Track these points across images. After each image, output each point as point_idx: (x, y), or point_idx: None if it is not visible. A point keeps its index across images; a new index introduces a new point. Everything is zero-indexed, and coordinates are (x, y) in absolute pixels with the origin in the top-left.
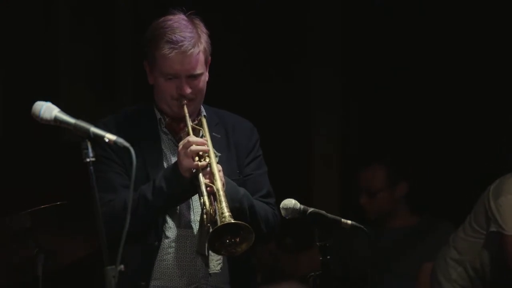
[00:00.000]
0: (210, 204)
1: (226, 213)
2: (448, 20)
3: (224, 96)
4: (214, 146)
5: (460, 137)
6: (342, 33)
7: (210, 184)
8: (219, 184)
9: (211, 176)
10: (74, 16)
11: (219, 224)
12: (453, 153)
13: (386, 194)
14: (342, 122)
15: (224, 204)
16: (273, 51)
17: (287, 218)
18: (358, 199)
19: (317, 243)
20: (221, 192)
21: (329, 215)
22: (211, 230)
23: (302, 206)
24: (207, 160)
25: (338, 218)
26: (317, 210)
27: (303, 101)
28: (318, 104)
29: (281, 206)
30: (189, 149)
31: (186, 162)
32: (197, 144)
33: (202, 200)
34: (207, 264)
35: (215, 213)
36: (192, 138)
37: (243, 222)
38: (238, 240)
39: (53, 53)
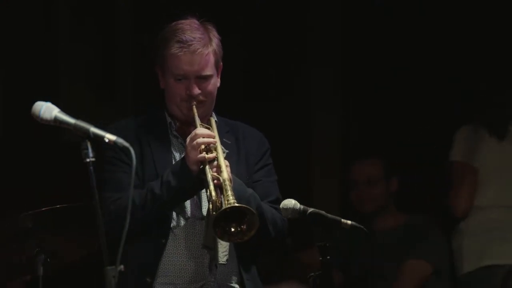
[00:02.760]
0: (217, 195)
1: (231, 199)
2: (448, 20)
3: (223, 96)
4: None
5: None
6: (342, 33)
7: (217, 176)
8: (225, 175)
9: (218, 169)
10: (74, 16)
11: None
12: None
13: (384, 184)
14: (342, 122)
15: (229, 193)
16: (273, 51)
17: (287, 218)
18: (351, 195)
19: (317, 243)
20: (227, 182)
21: (329, 215)
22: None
23: (302, 206)
24: (214, 153)
25: (338, 218)
26: (317, 210)
27: (303, 101)
28: (318, 104)
29: (281, 206)
30: (196, 141)
31: (193, 155)
32: (204, 136)
33: (208, 192)
34: (214, 257)
35: (221, 205)
36: (199, 130)
37: (247, 206)
38: (244, 227)
39: (53, 53)
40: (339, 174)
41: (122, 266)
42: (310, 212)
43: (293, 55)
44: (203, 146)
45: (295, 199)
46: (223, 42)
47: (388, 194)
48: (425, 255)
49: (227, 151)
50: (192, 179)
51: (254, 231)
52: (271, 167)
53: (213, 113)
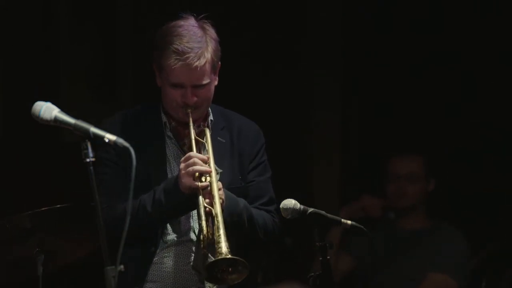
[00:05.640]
0: (208, 226)
1: (223, 244)
2: (449, 20)
3: (224, 95)
4: (218, 151)
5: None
6: (343, 32)
7: (209, 206)
8: (218, 208)
9: (210, 196)
10: (74, 17)
11: (216, 256)
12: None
13: (424, 183)
14: (342, 122)
15: (221, 232)
16: (273, 51)
17: (287, 218)
18: (389, 187)
19: (317, 243)
20: (220, 218)
21: (329, 215)
22: (208, 259)
23: (302, 206)
24: (208, 179)
25: (338, 218)
26: (317, 210)
27: (304, 100)
28: (318, 104)
29: (281, 206)
30: (191, 168)
31: (186, 181)
32: (199, 164)
33: (199, 224)
34: (202, 282)
35: (213, 235)
36: (195, 157)
37: (239, 258)
38: (230, 270)
39: (53, 53)
40: (339, 175)
41: (122, 266)
42: (310, 212)
43: (294, 55)
44: (197, 174)
45: (295, 199)
46: (223, 41)
47: (424, 194)
48: (450, 270)
49: (221, 170)
50: (184, 202)
51: (238, 278)
52: (265, 164)
53: (209, 110)
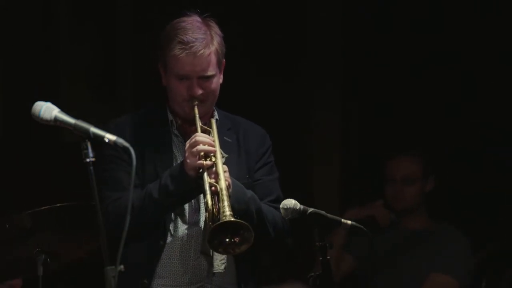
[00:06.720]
0: (213, 203)
1: (227, 211)
2: (449, 20)
3: (223, 95)
4: (224, 150)
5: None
6: (343, 32)
7: (215, 183)
8: (223, 183)
9: (216, 176)
10: (74, 17)
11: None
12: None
13: (421, 184)
14: (342, 122)
15: (226, 203)
16: (273, 51)
17: (287, 218)
18: (386, 190)
19: (317, 243)
20: (224, 192)
21: (329, 215)
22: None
23: (302, 206)
24: (213, 159)
25: (338, 218)
26: (317, 210)
27: (304, 100)
28: (318, 104)
29: (281, 206)
30: (195, 148)
31: (191, 161)
32: (204, 144)
33: (205, 200)
34: (211, 264)
35: (218, 213)
36: (199, 137)
37: (243, 221)
38: (237, 240)
39: (53, 53)
40: (339, 175)
41: (122, 266)
42: (310, 212)
43: (293, 55)
44: (202, 153)
45: (295, 199)
46: (223, 41)
47: (422, 195)
48: (452, 271)
49: (226, 155)
50: (190, 184)
51: (246, 246)
52: (272, 164)
53: (214, 109)
